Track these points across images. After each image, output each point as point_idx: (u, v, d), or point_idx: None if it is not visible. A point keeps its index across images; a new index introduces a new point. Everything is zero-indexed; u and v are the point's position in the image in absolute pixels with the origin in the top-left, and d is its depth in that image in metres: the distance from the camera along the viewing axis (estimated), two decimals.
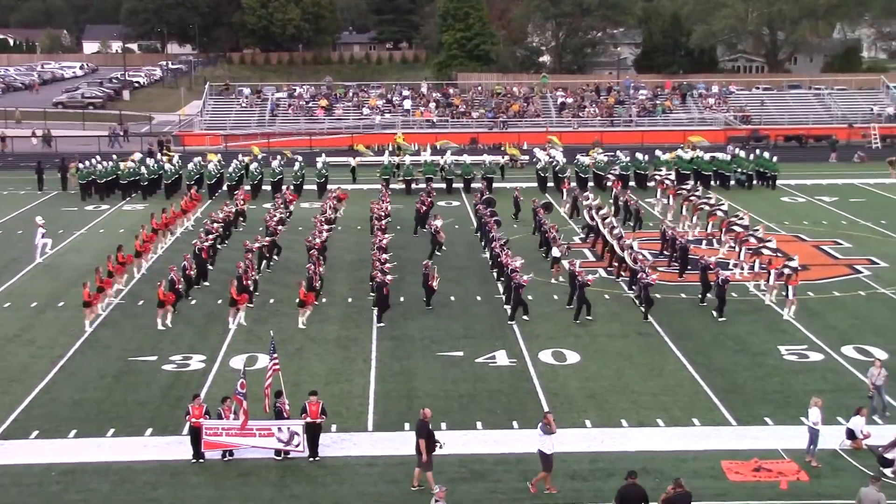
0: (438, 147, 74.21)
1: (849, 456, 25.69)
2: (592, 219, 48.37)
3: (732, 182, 63.90)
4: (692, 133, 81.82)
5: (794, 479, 24.48)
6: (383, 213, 48.92)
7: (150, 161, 66.89)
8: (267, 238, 44.91)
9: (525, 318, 36.70)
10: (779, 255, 42.06)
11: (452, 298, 39.45)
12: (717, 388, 30.29)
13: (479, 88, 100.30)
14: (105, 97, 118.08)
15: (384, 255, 40.07)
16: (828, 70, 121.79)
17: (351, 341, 34.88)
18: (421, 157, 70.05)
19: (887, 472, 24.62)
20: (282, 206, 51.31)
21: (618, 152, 69.00)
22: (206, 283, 41.42)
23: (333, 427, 27.55)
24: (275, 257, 45.12)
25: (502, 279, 40.73)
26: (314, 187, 62.18)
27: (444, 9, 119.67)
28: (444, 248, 46.82)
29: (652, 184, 61.33)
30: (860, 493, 21.65)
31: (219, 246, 46.13)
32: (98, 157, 66.02)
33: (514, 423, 27.88)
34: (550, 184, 63.52)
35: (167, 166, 64.71)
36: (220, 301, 39.07)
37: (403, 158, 68.94)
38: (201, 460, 25.75)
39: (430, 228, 46.50)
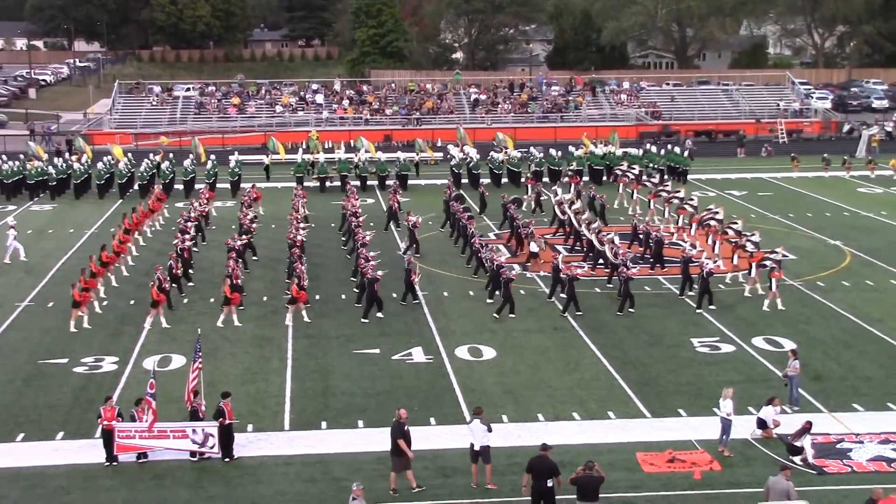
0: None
1: (760, 445, 26.14)
2: (563, 213, 48.70)
3: (644, 177, 64.55)
4: (607, 129, 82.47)
5: (708, 468, 24.83)
6: (357, 210, 48.69)
7: (57, 161, 65.73)
8: (244, 236, 44.46)
9: (511, 315, 36.77)
10: (742, 244, 42.44)
11: None
12: (631, 381, 30.62)
13: (393, 85, 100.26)
14: (10, 95, 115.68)
15: (370, 252, 40.04)
16: (735, 66, 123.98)
17: (266, 340, 34.62)
18: (335, 155, 69.83)
19: (796, 459, 25.11)
20: (249, 204, 50.72)
21: (531, 149, 69.33)
22: (192, 284, 40.93)
23: (249, 427, 27.34)
24: (253, 257, 44.79)
25: (479, 274, 41.13)
26: (228, 185, 61.69)
27: (357, 6, 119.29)
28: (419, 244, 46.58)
29: (613, 178, 61.89)
30: (768, 482, 22.02)
31: (194, 248, 45.45)
32: (4, 157, 64.66)
33: (432, 420, 27.91)
34: (465, 180, 63.68)
35: (76, 166, 63.64)
36: (132, 302, 38.61)
37: (317, 156, 68.57)
38: (114, 463, 25.36)
39: (408, 224, 46.23)
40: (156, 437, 25.54)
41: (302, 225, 45.96)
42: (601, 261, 42.03)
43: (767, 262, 38.81)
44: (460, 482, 24.10)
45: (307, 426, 27.65)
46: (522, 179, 62.83)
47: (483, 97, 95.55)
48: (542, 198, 55.50)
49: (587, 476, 21.73)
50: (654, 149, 69.57)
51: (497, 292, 37.98)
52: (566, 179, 61.12)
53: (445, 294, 39.48)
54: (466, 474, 24.33)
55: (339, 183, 62.54)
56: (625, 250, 41.50)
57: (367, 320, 36.43)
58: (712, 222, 45.55)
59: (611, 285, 39.94)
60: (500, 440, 25.93)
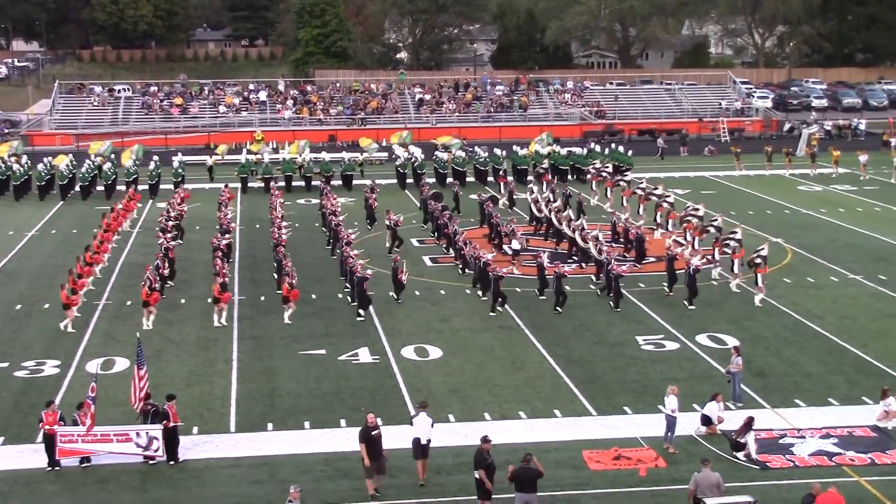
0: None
1: (704, 441, 26.37)
2: (540, 211, 48.87)
3: (588, 176, 64.91)
4: (546, 128, 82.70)
5: (653, 465, 25.01)
6: (337, 209, 48.54)
7: None
8: (227, 236, 44.11)
9: (499, 309, 36.94)
10: (725, 242, 42.79)
11: (314, 297, 39.19)
12: (577, 380, 30.77)
13: (337, 85, 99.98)
14: None
15: (354, 251, 40.08)
16: (678, 66, 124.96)
17: (211, 342, 34.40)
18: (279, 155, 69.54)
19: (739, 455, 25.36)
20: (226, 204, 50.39)
21: (475, 148, 69.46)
22: (171, 283, 40.58)
23: (195, 429, 27.14)
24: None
25: (467, 271, 41.55)
26: (172, 186, 61.20)
27: (300, 5, 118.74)
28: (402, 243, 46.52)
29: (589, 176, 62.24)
30: (696, 478, 22.16)
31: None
32: None
33: (378, 420, 27.78)
34: (410, 180, 63.69)
35: (15, 167, 62.82)
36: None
37: (261, 156, 68.22)
38: (57, 468, 25.08)
39: (390, 223, 46.07)
40: (99, 440, 25.30)
41: (284, 224, 45.85)
42: (588, 258, 42.35)
43: (757, 259, 38.98)
44: (406, 482, 24.08)
45: (253, 428, 27.50)
46: (491, 178, 63.74)
47: (428, 97, 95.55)
48: (514, 195, 55.70)
49: (524, 468, 21.95)
50: (597, 148, 70.01)
51: (488, 290, 38.20)
52: (531, 178, 61.60)
53: (392, 294, 39.42)
54: (413, 474, 24.32)
55: (283, 183, 62.36)
56: (608, 248, 41.81)
57: (361, 318, 36.51)
58: (693, 219, 46.01)
59: (601, 282, 40.09)
60: (447, 439, 25.96)
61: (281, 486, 24.06)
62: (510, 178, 61.29)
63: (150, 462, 25.34)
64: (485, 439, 22.85)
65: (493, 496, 22.55)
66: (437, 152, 67.29)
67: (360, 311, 36.80)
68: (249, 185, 62.63)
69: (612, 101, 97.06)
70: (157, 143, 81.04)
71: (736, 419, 26.62)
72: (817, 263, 44.03)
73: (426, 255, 45.80)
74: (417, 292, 39.67)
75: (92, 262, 40.84)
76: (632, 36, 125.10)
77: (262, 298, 38.92)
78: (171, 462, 25.25)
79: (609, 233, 46.37)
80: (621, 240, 45.43)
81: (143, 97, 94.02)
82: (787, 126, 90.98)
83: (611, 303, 37.83)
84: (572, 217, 46.46)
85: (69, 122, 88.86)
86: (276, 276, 40.72)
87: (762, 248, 39.98)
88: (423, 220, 52.05)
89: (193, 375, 31.30)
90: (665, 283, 39.79)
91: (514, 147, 69.32)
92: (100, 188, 62.02)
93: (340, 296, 39.23)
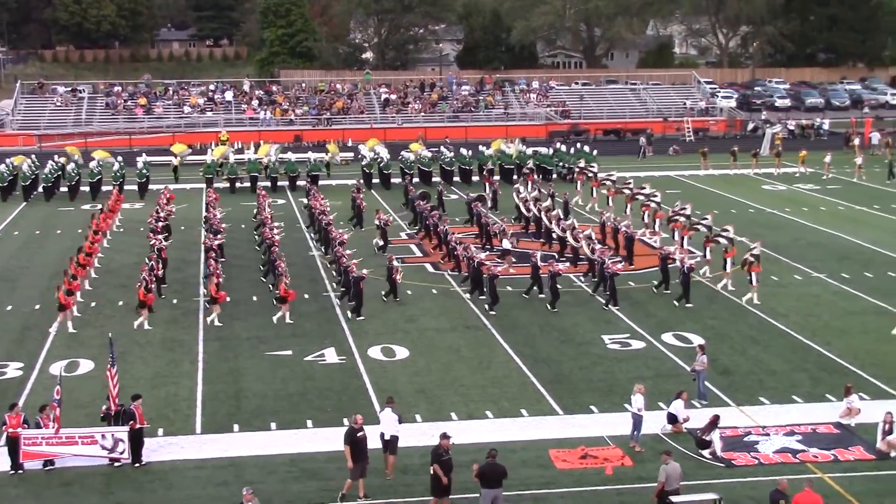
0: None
1: (670, 440, 26.48)
2: (529, 210, 48.92)
3: (554, 175, 65.09)
4: (514, 130, 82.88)
5: (619, 464, 25.10)
6: (326, 209, 48.38)
7: None
8: (219, 236, 43.92)
9: (492, 312, 36.97)
10: (715, 240, 43.08)
11: None
12: (543, 379, 30.83)
13: (303, 85, 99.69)
14: None
15: (347, 251, 40.07)
16: (642, 66, 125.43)
17: (177, 343, 34.22)
18: (244, 155, 69.27)
19: (704, 453, 25.51)
20: (214, 205, 50.14)
21: (441, 148, 69.47)
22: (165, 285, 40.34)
23: (160, 431, 26.99)
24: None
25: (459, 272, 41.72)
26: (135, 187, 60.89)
27: (265, 5, 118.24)
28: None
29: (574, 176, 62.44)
30: (665, 470, 22.32)
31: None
32: None
33: (345, 421, 27.74)
34: (376, 180, 63.63)
35: None
36: (37, 307, 37.95)
37: (227, 156, 67.93)
38: (20, 471, 24.86)
39: (380, 222, 45.95)
40: (64, 443, 25.10)
41: (275, 224, 45.72)
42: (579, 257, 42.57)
43: (749, 257, 39.23)
44: (374, 482, 24.03)
45: (219, 429, 27.38)
46: (476, 178, 64.24)
47: (393, 97, 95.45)
48: (498, 194, 55.76)
49: (490, 464, 22.01)
50: (563, 147, 70.22)
51: (477, 290, 38.39)
52: (519, 178, 62.20)
53: (381, 293, 39.36)
54: (380, 473, 24.29)
55: (248, 184, 62.11)
56: (601, 247, 41.94)
57: (362, 317, 36.47)
58: (680, 218, 46.24)
59: (595, 279, 40.23)
60: (414, 439, 25.95)
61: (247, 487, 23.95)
62: (496, 178, 61.49)
63: (115, 464, 25.18)
64: (444, 435, 22.94)
65: (451, 495, 22.57)
66: (403, 152, 67.21)
67: (357, 311, 36.74)
68: (215, 185, 62.33)
69: (577, 101, 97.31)
70: (121, 144, 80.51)
71: (701, 417, 26.77)
72: (781, 262, 44.34)
73: (394, 254, 45.64)
74: (384, 292, 39.60)
75: (84, 263, 40.64)
76: (597, 36, 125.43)
77: (228, 299, 38.72)
78: (136, 465, 25.09)
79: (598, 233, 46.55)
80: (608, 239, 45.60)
81: (107, 97, 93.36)
82: (750, 126, 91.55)
83: (607, 301, 37.99)
84: (561, 216, 46.66)
85: (31, 123, 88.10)
86: (271, 276, 40.53)
87: (755, 247, 40.30)
88: (411, 220, 52.00)
89: (158, 377, 31.12)
90: (655, 282, 40.14)
91: (480, 147, 69.41)
92: (63, 189, 61.59)
93: (307, 296, 39.11)
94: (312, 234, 49.20)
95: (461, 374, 31.32)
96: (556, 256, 43.60)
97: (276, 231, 43.79)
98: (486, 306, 37.41)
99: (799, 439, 26.50)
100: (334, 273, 41.53)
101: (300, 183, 62.13)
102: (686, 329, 35.36)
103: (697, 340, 33.12)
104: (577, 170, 61.74)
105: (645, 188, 53.09)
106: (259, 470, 24.97)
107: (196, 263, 43.94)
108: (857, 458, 25.50)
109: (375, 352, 33.29)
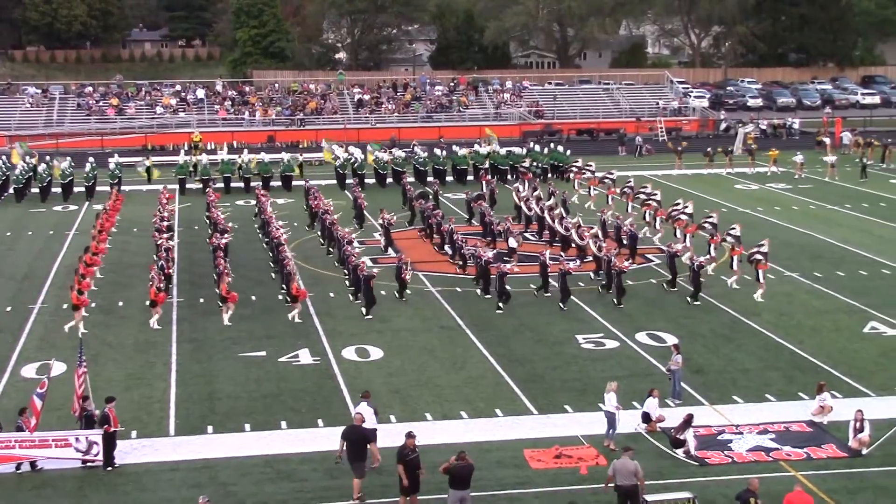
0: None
1: (644, 439, 26.54)
2: (530, 209, 48.92)
3: (572, 174, 65.00)
4: (488, 128, 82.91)
5: (594, 463, 25.12)
6: (329, 209, 48.23)
7: None
8: (226, 235, 43.74)
9: (499, 310, 37.01)
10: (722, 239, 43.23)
11: (253, 298, 38.94)
12: (518, 379, 30.86)
13: (276, 86, 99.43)
14: None
15: (356, 249, 40.23)
16: (615, 66, 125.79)
17: (150, 345, 34.05)
18: (217, 156, 69.02)
19: (679, 452, 25.59)
20: (216, 204, 50.29)
21: (415, 148, 69.43)
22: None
23: (133, 433, 26.84)
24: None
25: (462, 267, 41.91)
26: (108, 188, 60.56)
27: (238, 6, 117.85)
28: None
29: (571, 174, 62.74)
30: (614, 465, 22.42)
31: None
32: None
33: (319, 422, 27.77)
34: (349, 180, 63.48)
35: None
36: (8, 308, 37.70)
37: (200, 157, 67.69)
38: None
39: (384, 222, 45.86)
40: (37, 446, 24.93)
41: (280, 224, 45.67)
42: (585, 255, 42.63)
43: (757, 255, 39.72)
44: (349, 483, 23.97)
45: (193, 431, 27.28)
46: (470, 177, 64.50)
47: (367, 97, 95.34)
48: (496, 194, 55.81)
49: (459, 465, 22.02)
50: (537, 147, 70.33)
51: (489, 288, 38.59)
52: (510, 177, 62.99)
53: (332, 294, 39.32)
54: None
55: (222, 185, 61.88)
56: (608, 244, 42.14)
57: (370, 316, 36.48)
58: (682, 216, 46.38)
59: (601, 278, 40.32)
60: (389, 440, 25.82)
61: (222, 489, 23.92)
62: (491, 177, 61.63)
63: (89, 466, 25.02)
64: (409, 434, 22.98)
65: (421, 495, 22.57)
66: (376, 152, 67.06)
67: (368, 310, 36.79)
68: (187, 186, 62.13)
69: (550, 101, 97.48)
70: (93, 145, 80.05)
71: (675, 416, 26.86)
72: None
73: (367, 255, 45.56)
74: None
75: (92, 263, 40.53)
76: (570, 36, 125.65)
77: (201, 301, 38.60)
78: (108, 468, 24.94)
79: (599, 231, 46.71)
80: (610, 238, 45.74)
81: (79, 98, 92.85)
82: (723, 125, 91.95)
83: (614, 300, 38.16)
84: (564, 214, 46.79)
85: (2, 124, 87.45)
86: (275, 276, 40.72)
87: (762, 245, 40.53)
88: (409, 220, 52.12)
89: (132, 379, 30.96)
90: (664, 282, 40.47)
91: (454, 147, 69.46)
92: (34, 190, 61.23)
93: (280, 297, 39.00)
94: (318, 235, 48.95)
95: (435, 375, 31.31)
96: (561, 255, 43.75)
97: (283, 231, 43.73)
98: (499, 304, 37.50)
99: (772, 438, 26.62)
100: (343, 273, 41.49)
101: (274, 184, 61.97)
102: (659, 328, 35.46)
103: (671, 340, 33.25)
104: (574, 169, 62.04)
105: (646, 187, 53.38)
106: (233, 472, 24.88)
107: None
108: (829, 456, 25.64)
109: (350, 352, 33.23)
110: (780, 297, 39.30)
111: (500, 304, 37.42)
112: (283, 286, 39.02)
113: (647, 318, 36.78)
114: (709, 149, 72.84)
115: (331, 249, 45.33)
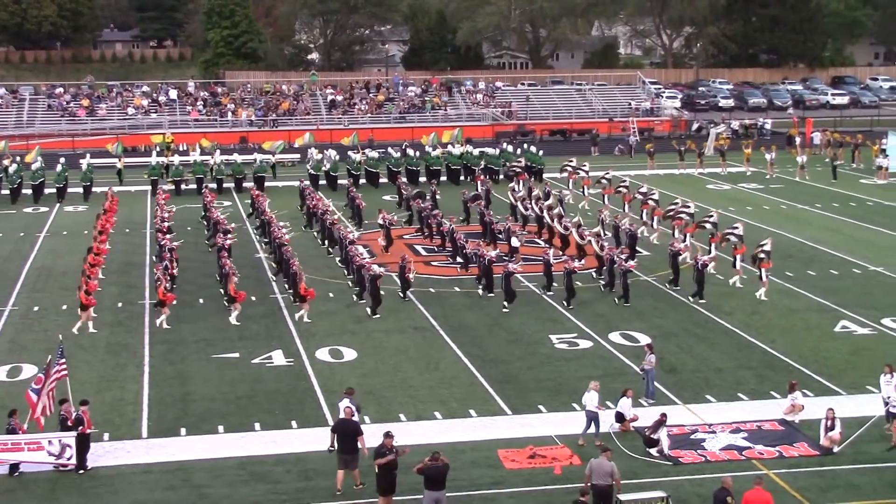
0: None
1: (618, 438, 26.63)
2: (527, 209, 48.87)
3: (501, 176, 65.21)
4: (452, 128, 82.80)
5: (568, 463, 25.20)
6: (329, 208, 48.21)
7: None
8: (229, 235, 43.55)
9: (505, 308, 37.19)
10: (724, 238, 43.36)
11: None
12: (492, 379, 30.90)
13: (248, 87, 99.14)
14: None
15: (360, 249, 40.08)
16: (588, 66, 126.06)
17: (122, 346, 33.90)
18: (190, 157, 68.74)
19: (652, 451, 25.70)
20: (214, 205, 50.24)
21: (388, 149, 69.38)
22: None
23: (106, 436, 26.72)
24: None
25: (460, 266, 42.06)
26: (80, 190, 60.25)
27: (209, 6, 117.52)
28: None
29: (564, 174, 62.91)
30: (591, 464, 22.56)
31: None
32: None
33: (293, 423, 27.73)
34: (323, 182, 63.39)
35: None
36: None
37: (172, 158, 67.44)
38: None
39: (385, 222, 45.71)
40: (10, 450, 24.76)
41: (282, 223, 45.59)
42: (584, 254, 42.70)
43: (760, 254, 40.01)
44: (323, 484, 23.98)
45: (166, 433, 27.17)
46: (464, 177, 64.51)
47: (339, 98, 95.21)
48: (491, 193, 55.78)
49: (434, 465, 22.05)
50: (510, 148, 70.44)
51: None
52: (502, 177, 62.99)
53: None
54: (329, 476, 24.23)
55: (194, 186, 61.64)
56: (610, 244, 42.18)
57: (377, 315, 36.46)
58: (682, 216, 46.50)
59: (602, 279, 40.45)
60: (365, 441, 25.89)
61: (195, 491, 23.86)
62: (486, 177, 61.68)
63: (61, 469, 24.89)
64: (387, 434, 23.08)
65: (395, 496, 22.62)
66: (349, 153, 67.01)
67: (374, 310, 36.82)
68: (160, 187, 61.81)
69: (523, 102, 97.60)
70: (64, 146, 79.60)
71: (649, 416, 26.96)
72: (726, 261, 44.69)
73: (337, 255, 45.53)
74: (331, 294, 39.51)
75: (95, 263, 40.33)
76: (542, 37, 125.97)
77: (174, 302, 38.41)
78: (81, 471, 24.81)
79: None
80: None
81: (49, 99, 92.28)
82: (695, 126, 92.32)
83: (616, 298, 38.28)
84: (563, 214, 46.87)
85: None
86: (281, 276, 40.84)
87: (765, 243, 40.71)
88: (407, 219, 52.17)
89: (104, 381, 30.81)
90: (667, 282, 40.74)
91: (427, 148, 69.49)
92: (4, 192, 60.83)
93: (254, 298, 38.88)
94: (316, 235, 48.84)
95: (409, 375, 31.32)
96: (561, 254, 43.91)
97: (286, 231, 43.61)
98: (504, 303, 37.55)
99: (745, 436, 26.77)
100: (346, 272, 41.44)
101: (246, 184, 61.80)
102: (633, 328, 35.59)
103: (644, 339, 33.38)
104: (569, 169, 62.23)
105: (643, 187, 53.55)
106: (207, 474, 24.80)
107: (139, 266, 43.64)
108: (801, 455, 25.81)
109: (323, 353, 33.19)
110: (753, 297, 39.47)
111: (506, 304, 37.46)
112: (287, 286, 39.13)
113: (620, 318, 36.89)
114: (674, 141, 73.12)
115: (330, 250, 45.34)
